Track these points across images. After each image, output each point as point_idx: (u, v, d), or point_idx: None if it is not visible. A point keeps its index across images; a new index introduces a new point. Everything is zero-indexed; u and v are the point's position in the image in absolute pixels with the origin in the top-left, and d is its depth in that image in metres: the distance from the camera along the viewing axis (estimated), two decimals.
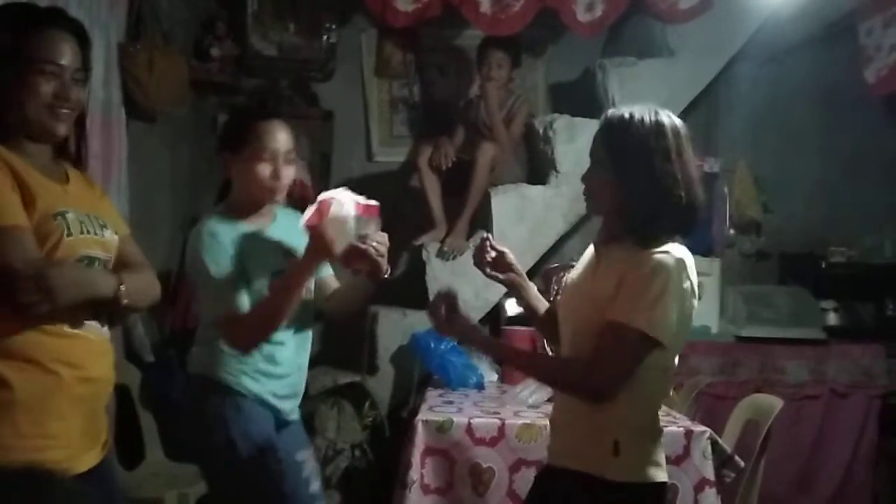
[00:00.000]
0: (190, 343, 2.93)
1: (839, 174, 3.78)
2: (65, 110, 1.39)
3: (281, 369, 1.82)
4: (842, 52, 3.45)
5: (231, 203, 1.86)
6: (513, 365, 1.54)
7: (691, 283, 1.42)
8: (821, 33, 3.54)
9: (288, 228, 1.87)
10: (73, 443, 1.37)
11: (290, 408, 1.89)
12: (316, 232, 1.67)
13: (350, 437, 3.07)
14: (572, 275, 1.64)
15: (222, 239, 1.74)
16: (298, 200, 3.51)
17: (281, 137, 1.80)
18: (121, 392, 2.58)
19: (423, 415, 2.32)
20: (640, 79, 3.43)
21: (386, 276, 1.79)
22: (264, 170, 1.78)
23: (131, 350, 2.80)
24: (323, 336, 3.69)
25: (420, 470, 2.22)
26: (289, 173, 1.82)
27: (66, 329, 1.36)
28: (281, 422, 1.85)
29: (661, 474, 1.47)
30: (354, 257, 1.72)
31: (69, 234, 1.36)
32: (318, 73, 3.82)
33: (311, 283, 1.88)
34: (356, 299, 1.98)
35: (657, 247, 1.41)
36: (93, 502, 1.35)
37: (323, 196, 1.71)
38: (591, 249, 1.60)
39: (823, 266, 3.61)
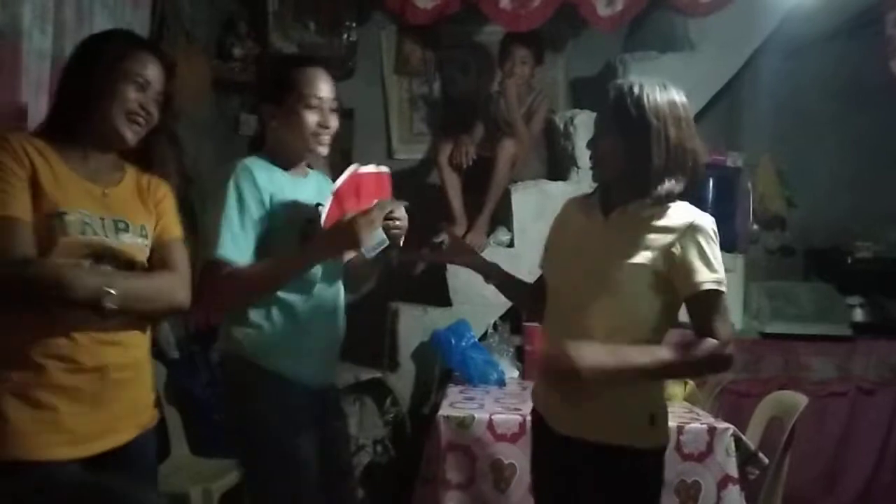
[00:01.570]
0: (213, 340, 2.95)
1: (864, 168, 3.72)
2: (141, 120, 1.51)
3: (316, 344, 1.77)
4: (866, 45, 3.40)
5: (271, 152, 1.78)
6: (638, 376, 1.50)
7: None
8: (844, 26, 3.49)
9: (319, 187, 1.84)
10: (69, 429, 1.41)
11: (327, 379, 1.84)
12: (346, 226, 1.62)
13: (372, 432, 3.08)
14: (561, 243, 1.68)
15: (256, 176, 1.68)
16: None
17: (326, 85, 1.75)
18: None
19: (445, 411, 2.33)
20: (661, 73, 3.35)
21: (396, 256, 1.76)
22: (311, 118, 1.72)
23: (156, 346, 2.83)
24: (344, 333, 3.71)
25: (442, 466, 2.22)
26: (335, 122, 1.77)
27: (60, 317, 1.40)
28: (317, 395, 1.80)
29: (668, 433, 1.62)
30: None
31: (64, 235, 1.41)
32: (339, 70, 3.83)
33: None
34: (366, 275, 1.94)
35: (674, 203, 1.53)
36: (98, 484, 1.41)
37: (351, 173, 1.68)
38: (576, 216, 1.67)
39: (849, 261, 3.56)
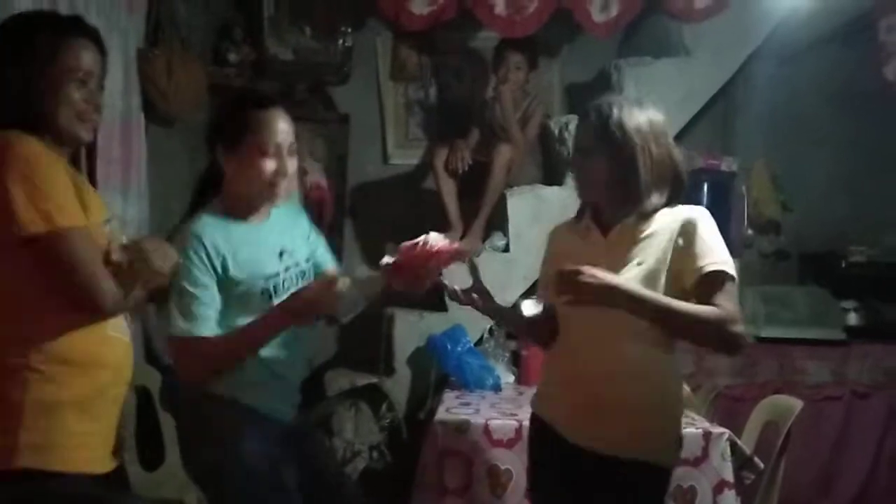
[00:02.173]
0: None
1: (858, 172, 3.74)
2: (92, 116, 1.41)
3: (285, 379, 1.73)
4: (860, 50, 3.41)
5: (225, 200, 1.70)
6: (650, 311, 1.51)
7: None
8: (839, 31, 3.50)
9: (283, 227, 1.78)
10: (105, 443, 1.42)
11: (294, 410, 1.80)
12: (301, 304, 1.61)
13: (368, 438, 3.08)
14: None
15: (209, 243, 1.62)
16: (314, 203, 3.55)
17: (283, 128, 1.66)
18: (141, 394, 2.62)
19: (441, 416, 2.33)
20: (656, 78, 3.42)
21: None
22: (268, 165, 1.64)
23: (152, 353, 2.83)
24: (340, 338, 3.71)
25: (438, 471, 2.22)
26: (293, 166, 1.69)
27: (109, 332, 1.40)
28: (291, 426, 1.75)
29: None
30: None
31: (114, 240, 1.40)
32: (334, 76, 3.84)
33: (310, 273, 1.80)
34: (366, 297, 1.89)
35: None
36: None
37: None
38: (572, 241, 1.71)
39: (844, 265, 3.56)
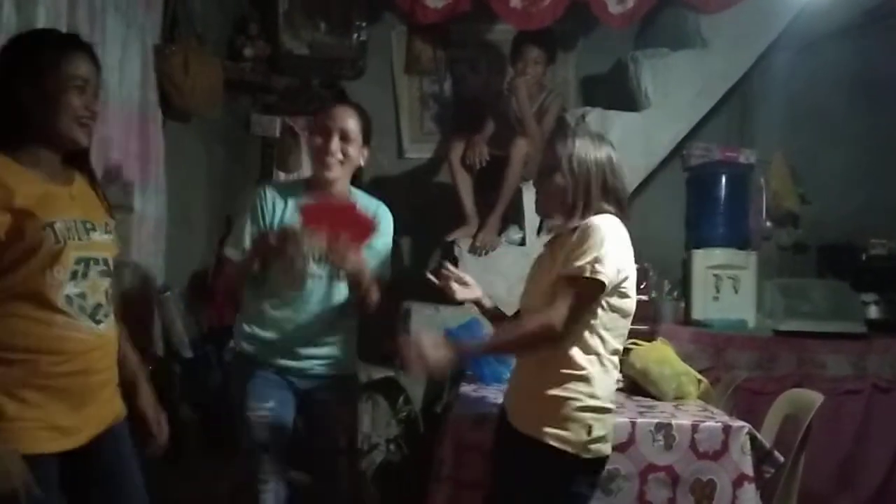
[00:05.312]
0: (227, 339, 2.98)
1: (878, 164, 3.69)
2: (89, 121, 1.53)
3: (275, 334, 2.06)
4: (880, 40, 3.37)
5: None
6: (492, 352, 1.96)
7: (623, 237, 1.71)
8: (858, 20, 3.46)
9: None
10: (55, 425, 1.47)
11: (303, 368, 2.10)
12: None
13: (385, 431, 3.09)
14: (529, 277, 1.91)
15: (268, 199, 2.06)
16: None
17: (338, 115, 2.09)
18: (160, 387, 2.64)
19: (457, 410, 2.32)
20: (673, 70, 3.40)
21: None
22: (318, 143, 2.07)
23: (170, 345, 2.85)
24: (356, 331, 3.72)
25: (454, 465, 2.22)
26: (343, 149, 2.07)
27: (57, 318, 1.47)
28: (304, 380, 2.10)
29: (609, 448, 1.76)
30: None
31: (58, 243, 1.45)
32: (349, 70, 3.85)
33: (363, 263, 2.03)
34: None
35: None
36: (79, 477, 1.52)
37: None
38: (541, 250, 1.90)
39: (864, 258, 3.53)
